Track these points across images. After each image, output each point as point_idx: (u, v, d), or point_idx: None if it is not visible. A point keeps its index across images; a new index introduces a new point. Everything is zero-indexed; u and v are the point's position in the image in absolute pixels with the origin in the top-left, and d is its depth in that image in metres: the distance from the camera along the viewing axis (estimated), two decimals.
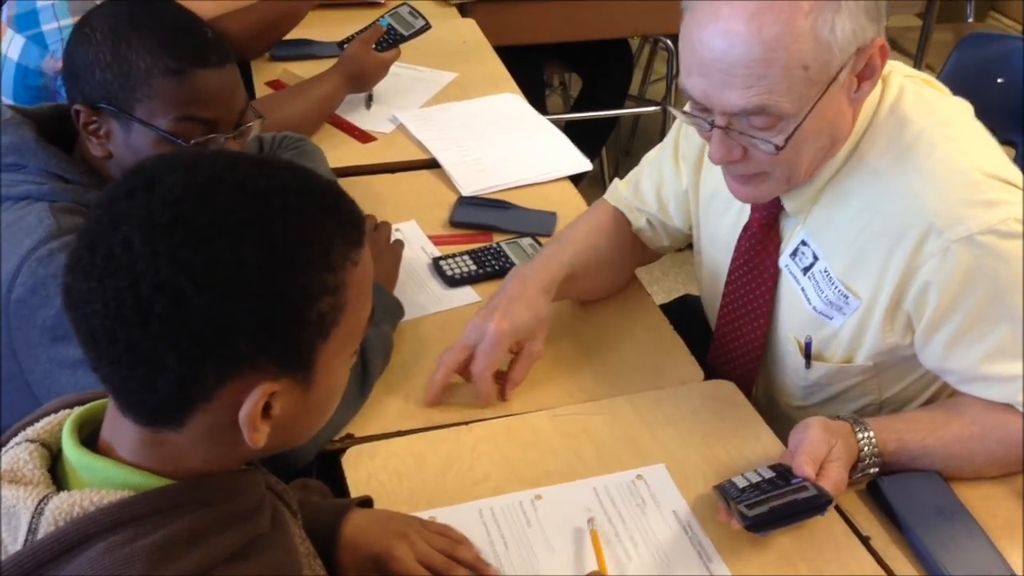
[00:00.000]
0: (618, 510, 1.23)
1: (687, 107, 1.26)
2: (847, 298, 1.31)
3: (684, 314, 1.71)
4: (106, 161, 1.30)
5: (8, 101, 1.77)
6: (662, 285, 3.17)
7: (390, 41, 2.08)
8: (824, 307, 1.34)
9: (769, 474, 1.21)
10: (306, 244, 0.78)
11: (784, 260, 1.39)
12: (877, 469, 1.25)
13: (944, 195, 1.22)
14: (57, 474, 0.83)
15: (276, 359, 0.78)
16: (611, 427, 1.36)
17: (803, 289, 1.37)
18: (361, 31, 2.13)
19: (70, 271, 0.78)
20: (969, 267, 1.20)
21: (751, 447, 1.33)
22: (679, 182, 1.57)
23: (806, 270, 1.36)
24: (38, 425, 0.87)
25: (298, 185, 0.80)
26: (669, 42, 3.16)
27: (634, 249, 1.65)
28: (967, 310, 1.23)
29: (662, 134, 3.38)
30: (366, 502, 1.20)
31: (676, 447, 1.33)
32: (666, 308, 1.69)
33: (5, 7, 1.81)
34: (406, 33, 2.09)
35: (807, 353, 1.39)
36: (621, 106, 3.31)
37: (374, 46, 2.06)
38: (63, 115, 1.31)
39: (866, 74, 1.20)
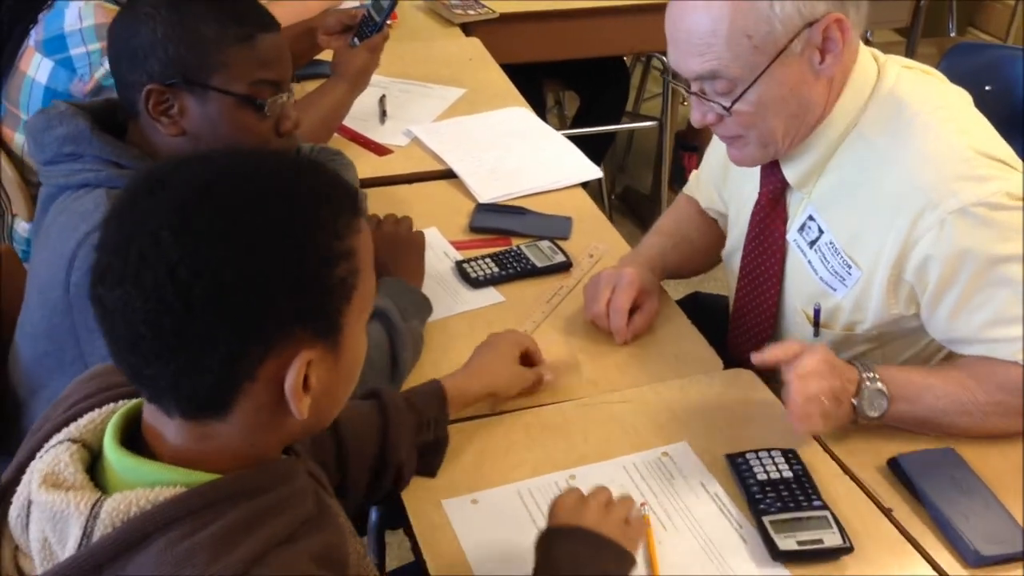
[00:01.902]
0: (648, 485, 1.29)
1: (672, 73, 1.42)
2: (850, 268, 1.40)
3: (695, 308, 1.78)
4: (174, 140, 1.34)
5: None
6: (666, 286, 3.21)
7: (367, 31, 2.07)
8: (829, 277, 1.43)
9: (786, 471, 1.28)
10: (318, 215, 0.84)
11: (792, 235, 1.48)
12: (883, 390, 1.30)
13: (938, 171, 1.32)
14: (95, 474, 0.85)
15: (311, 326, 0.83)
16: (638, 414, 1.42)
17: (810, 262, 1.46)
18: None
19: (99, 283, 0.81)
20: (964, 237, 1.29)
21: (772, 428, 1.38)
22: (719, 173, 1.68)
23: (812, 243, 1.45)
24: (80, 423, 0.89)
25: (295, 167, 0.88)
26: (664, 59, 3.23)
27: (719, 231, 1.76)
28: (965, 280, 1.31)
29: (658, 150, 3.46)
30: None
31: (701, 429, 1.38)
32: (678, 304, 1.76)
33: (33, 32, 1.86)
34: (378, 18, 2.06)
35: (816, 320, 1.47)
36: (617, 122, 3.39)
37: (356, 39, 2.07)
38: (114, 107, 1.36)
39: (827, 47, 1.32)
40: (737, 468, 1.29)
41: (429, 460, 1.30)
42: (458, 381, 1.35)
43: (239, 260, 0.79)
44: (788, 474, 1.28)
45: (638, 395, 1.45)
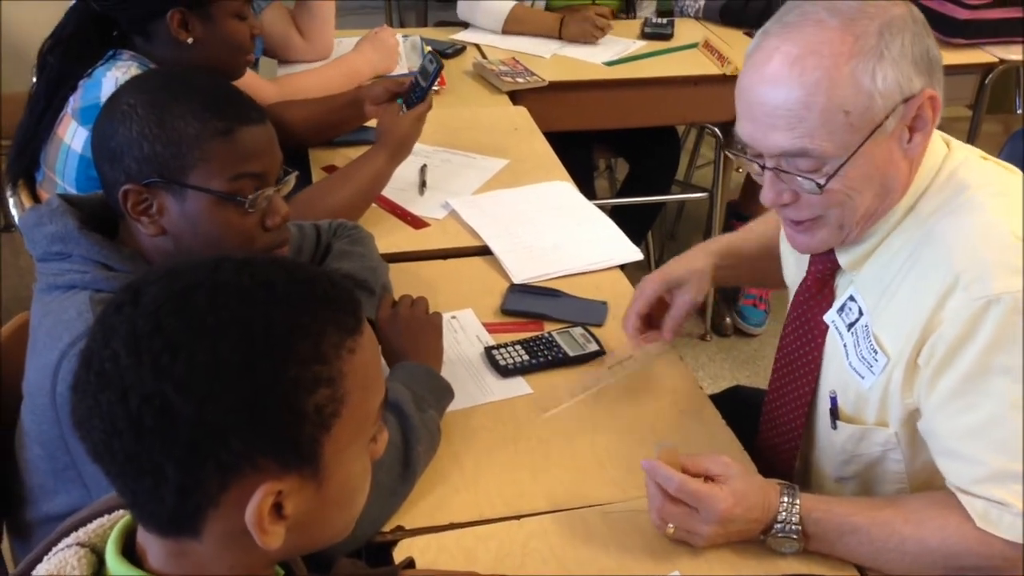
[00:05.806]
0: None
1: (740, 148, 1.31)
2: (876, 354, 1.31)
3: (735, 403, 1.70)
4: (157, 240, 1.29)
5: (72, 191, 1.81)
6: (708, 371, 3.14)
7: (414, 98, 2.05)
8: (858, 363, 1.33)
9: None
10: (291, 337, 0.77)
11: (831, 315, 1.39)
12: (796, 537, 1.25)
13: (975, 252, 1.21)
14: None
15: (276, 457, 0.77)
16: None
17: (845, 345, 1.36)
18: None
19: (73, 390, 0.79)
20: (977, 325, 1.18)
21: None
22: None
23: (851, 326, 1.35)
24: (90, 527, 0.87)
25: (283, 280, 0.80)
26: (717, 129, 3.17)
27: None
28: (963, 369, 1.19)
29: (709, 218, 3.39)
30: (410, 564, 1.21)
31: (732, 545, 1.30)
32: (715, 399, 1.68)
33: (71, 99, 1.86)
34: (425, 84, 2.03)
35: (832, 409, 1.38)
36: (667, 190, 3.33)
37: (405, 106, 2.04)
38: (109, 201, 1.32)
39: (917, 126, 1.23)
40: None
41: None
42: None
43: (190, 391, 0.74)
44: None
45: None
